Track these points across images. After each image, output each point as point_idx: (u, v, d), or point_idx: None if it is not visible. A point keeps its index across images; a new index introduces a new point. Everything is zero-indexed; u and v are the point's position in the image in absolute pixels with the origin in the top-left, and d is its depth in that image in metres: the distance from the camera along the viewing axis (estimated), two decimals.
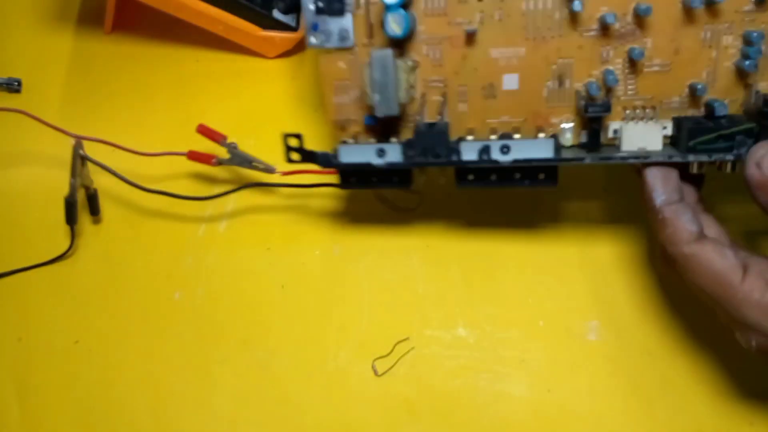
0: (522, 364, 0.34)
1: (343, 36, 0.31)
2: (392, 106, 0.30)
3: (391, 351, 0.35)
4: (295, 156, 0.33)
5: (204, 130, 0.39)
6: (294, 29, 0.45)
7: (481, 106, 0.32)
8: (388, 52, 0.29)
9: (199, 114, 0.42)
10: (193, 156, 0.39)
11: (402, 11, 0.29)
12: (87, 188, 0.40)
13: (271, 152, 0.40)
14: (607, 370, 0.34)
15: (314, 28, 0.30)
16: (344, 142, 0.33)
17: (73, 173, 0.38)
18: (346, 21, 0.30)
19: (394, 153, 0.31)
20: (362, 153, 0.32)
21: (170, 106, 0.44)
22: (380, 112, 0.30)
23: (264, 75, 0.45)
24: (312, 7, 0.30)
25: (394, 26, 0.29)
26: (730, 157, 0.28)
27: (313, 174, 0.34)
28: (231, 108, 0.41)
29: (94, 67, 0.46)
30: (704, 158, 0.28)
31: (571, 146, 0.31)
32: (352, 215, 0.40)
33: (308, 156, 0.33)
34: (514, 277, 0.37)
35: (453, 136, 0.32)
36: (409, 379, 0.35)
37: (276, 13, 0.45)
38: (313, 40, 0.31)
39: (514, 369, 0.34)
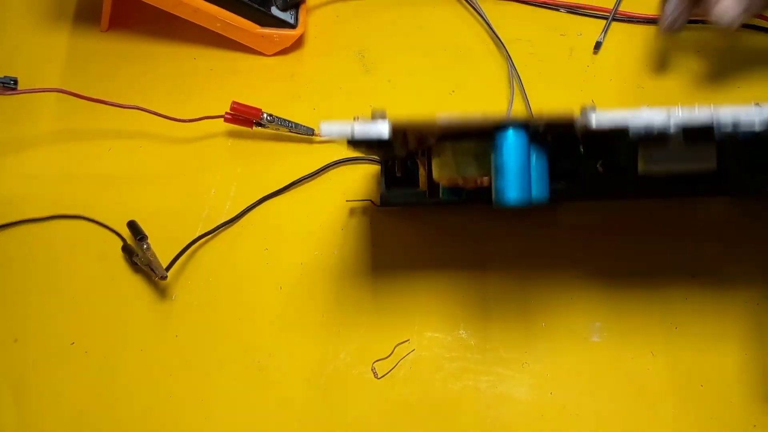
0: (524, 366, 0.34)
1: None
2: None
3: (391, 353, 0.35)
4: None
5: (238, 108, 0.40)
6: (292, 26, 0.45)
7: None
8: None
9: (197, 112, 0.42)
10: (233, 118, 0.40)
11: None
12: None
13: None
14: (610, 372, 0.34)
15: None
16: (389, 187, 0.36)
17: None
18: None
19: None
20: (415, 196, 0.36)
21: (167, 104, 0.43)
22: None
23: (262, 73, 0.45)
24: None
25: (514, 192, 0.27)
26: None
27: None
28: (229, 106, 0.41)
29: (91, 66, 0.46)
30: None
31: None
32: (351, 217, 0.39)
33: (366, 200, 0.38)
34: (516, 276, 0.36)
35: None
36: (409, 382, 0.34)
37: (274, 11, 0.45)
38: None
39: (516, 371, 0.34)
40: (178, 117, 0.41)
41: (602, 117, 0.25)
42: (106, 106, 0.41)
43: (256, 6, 0.43)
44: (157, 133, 0.43)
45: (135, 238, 0.38)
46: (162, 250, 0.39)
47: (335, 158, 0.41)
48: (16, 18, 0.49)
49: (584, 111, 0.26)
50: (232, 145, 0.43)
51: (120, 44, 0.47)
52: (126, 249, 0.39)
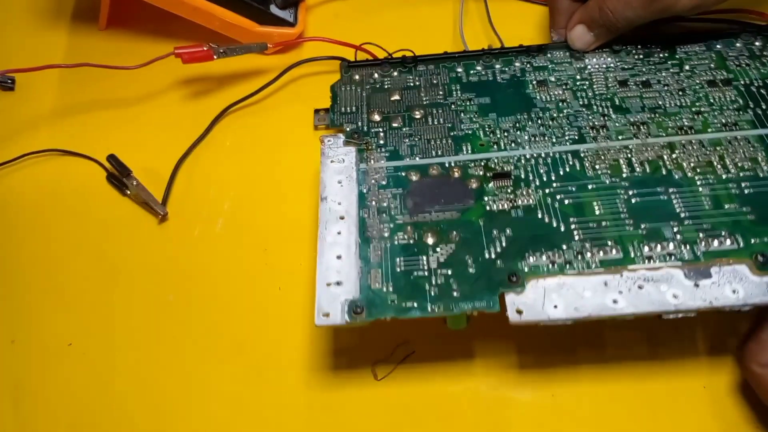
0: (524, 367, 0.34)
1: None
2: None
3: (391, 354, 0.35)
4: None
5: (185, 56, 0.40)
6: (291, 25, 0.45)
7: None
8: None
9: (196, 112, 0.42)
10: (187, 56, 0.40)
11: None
12: None
13: (272, 152, 0.39)
14: (612, 375, 0.33)
15: None
16: None
17: None
18: None
19: None
20: None
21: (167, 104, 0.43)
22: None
23: (261, 72, 0.45)
24: None
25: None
26: None
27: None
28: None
29: None
30: None
31: None
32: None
33: None
34: None
35: None
36: (408, 383, 0.34)
37: (273, 9, 0.45)
38: None
39: (516, 373, 0.34)
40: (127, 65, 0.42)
41: None
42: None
43: (255, 4, 0.43)
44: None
45: (121, 176, 0.39)
46: (158, 252, 0.39)
47: (292, 61, 0.43)
48: (15, 16, 0.49)
49: None
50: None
51: (118, 43, 0.47)
52: (112, 179, 0.40)
